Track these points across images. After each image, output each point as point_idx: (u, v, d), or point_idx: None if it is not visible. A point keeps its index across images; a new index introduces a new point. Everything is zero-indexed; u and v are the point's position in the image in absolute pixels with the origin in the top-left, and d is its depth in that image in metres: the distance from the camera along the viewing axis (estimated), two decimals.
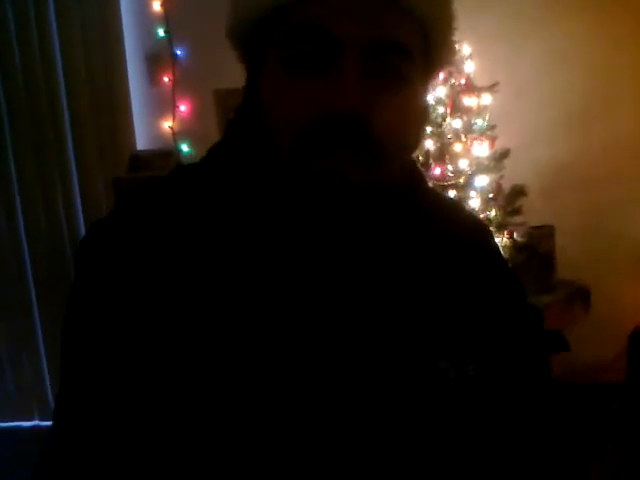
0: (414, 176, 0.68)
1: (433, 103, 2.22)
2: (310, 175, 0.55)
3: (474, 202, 2.23)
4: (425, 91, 0.64)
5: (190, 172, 0.66)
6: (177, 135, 2.79)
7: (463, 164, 2.25)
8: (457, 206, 0.82)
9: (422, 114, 0.63)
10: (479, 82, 2.33)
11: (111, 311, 0.59)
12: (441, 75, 2.23)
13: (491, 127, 2.30)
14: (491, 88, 2.30)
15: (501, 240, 2.22)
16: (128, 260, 0.59)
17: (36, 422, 2.91)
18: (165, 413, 0.57)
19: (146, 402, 0.58)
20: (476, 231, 0.73)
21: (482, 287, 0.66)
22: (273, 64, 0.57)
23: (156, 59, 2.78)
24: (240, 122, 0.65)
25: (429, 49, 0.60)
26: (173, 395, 0.57)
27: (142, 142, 2.81)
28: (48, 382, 2.92)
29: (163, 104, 2.79)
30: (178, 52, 2.76)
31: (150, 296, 0.58)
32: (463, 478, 0.62)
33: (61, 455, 0.60)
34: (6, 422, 2.94)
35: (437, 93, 2.23)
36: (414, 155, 0.73)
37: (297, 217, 0.59)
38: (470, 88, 2.30)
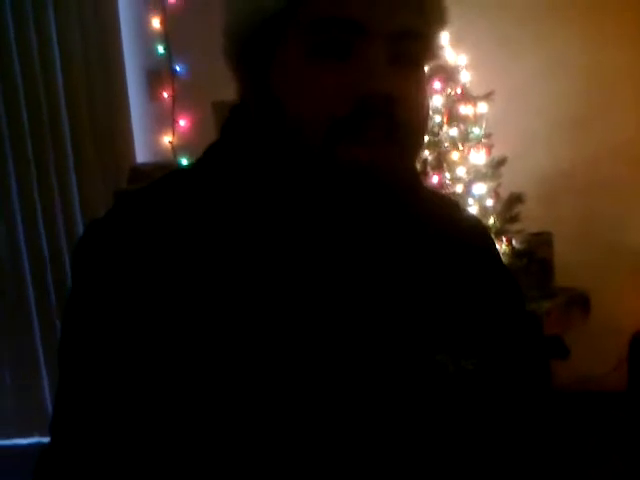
0: (416, 176, 0.69)
1: (430, 112, 2.23)
2: (344, 164, 0.56)
3: (472, 210, 2.24)
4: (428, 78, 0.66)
5: (188, 172, 0.67)
6: (177, 149, 2.80)
7: (461, 172, 2.27)
8: (456, 204, 0.82)
9: (428, 100, 0.64)
10: (475, 91, 2.35)
11: (110, 312, 0.58)
12: (437, 85, 2.25)
13: (487, 135, 2.32)
14: (487, 97, 2.32)
15: (500, 247, 2.23)
16: (126, 261, 0.59)
17: (37, 439, 2.86)
18: (165, 413, 0.57)
19: (146, 403, 0.58)
20: (475, 229, 0.74)
21: (481, 284, 0.67)
22: (295, 55, 0.57)
23: (156, 75, 2.81)
24: (241, 120, 0.65)
25: (430, 37, 0.62)
26: (173, 395, 0.57)
27: (142, 157, 2.83)
28: (48, 399, 2.89)
29: (163, 119, 2.81)
30: (177, 68, 2.78)
31: (149, 296, 0.58)
32: (459, 472, 0.62)
33: (60, 455, 0.60)
34: (5, 439, 2.89)
35: (434, 102, 2.25)
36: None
37: (307, 211, 0.60)
38: (466, 97, 2.32)
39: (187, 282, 0.58)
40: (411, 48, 0.58)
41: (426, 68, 0.63)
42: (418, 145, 0.62)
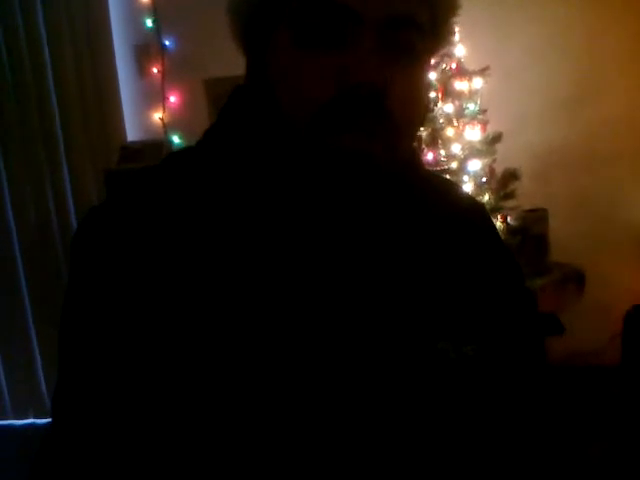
0: (413, 157, 0.69)
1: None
2: (330, 151, 0.55)
3: (467, 187, 2.23)
4: (429, 68, 0.64)
5: (187, 157, 0.65)
6: (167, 126, 2.77)
7: (456, 149, 2.25)
8: (454, 187, 0.82)
9: (427, 91, 0.63)
10: (470, 66, 2.33)
11: (109, 304, 0.58)
12: (432, 60, 2.22)
13: (483, 111, 2.30)
14: (482, 72, 2.29)
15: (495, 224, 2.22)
16: (126, 251, 0.58)
17: (32, 420, 2.86)
18: (164, 409, 0.57)
19: (145, 398, 0.57)
20: (474, 211, 0.73)
21: (481, 265, 0.67)
22: (287, 40, 0.56)
23: (145, 50, 2.76)
24: (240, 103, 0.64)
25: (435, 26, 0.61)
26: (172, 390, 0.56)
27: (132, 134, 2.79)
28: (43, 380, 2.86)
29: (153, 95, 2.77)
30: (167, 42, 2.74)
31: (149, 288, 0.57)
32: (463, 457, 0.62)
33: (58, 452, 0.60)
34: (1, 420, 2.89)
35: (428, 78, 2.22)
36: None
37: (302, 198, 0.59)
38: (461, 72, 2.29)
39: (187, 272, 0.57)
40: (408, 37, 0.57)
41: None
42: (410, 136, 0.61)
